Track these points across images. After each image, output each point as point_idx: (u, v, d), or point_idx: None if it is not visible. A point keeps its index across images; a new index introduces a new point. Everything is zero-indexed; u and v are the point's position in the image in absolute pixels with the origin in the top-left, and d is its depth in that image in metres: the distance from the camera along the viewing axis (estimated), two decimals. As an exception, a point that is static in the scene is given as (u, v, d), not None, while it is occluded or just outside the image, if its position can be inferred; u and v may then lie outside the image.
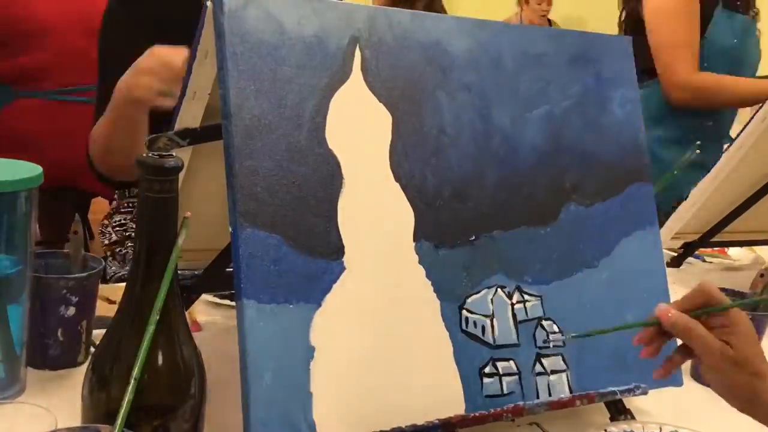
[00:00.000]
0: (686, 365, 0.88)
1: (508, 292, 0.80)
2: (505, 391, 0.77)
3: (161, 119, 0.89)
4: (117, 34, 1.36)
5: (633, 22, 1.94)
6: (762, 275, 0.93)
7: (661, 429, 0.81)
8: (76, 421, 0.66)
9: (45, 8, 2.01)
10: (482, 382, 0.76)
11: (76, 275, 0.87)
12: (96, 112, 1.32)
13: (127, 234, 1.47)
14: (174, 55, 1.09)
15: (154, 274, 0.62)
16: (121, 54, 1.20)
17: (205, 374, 0.67)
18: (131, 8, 1.36)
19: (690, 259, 1.50)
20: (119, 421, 0.55)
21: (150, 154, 0.61)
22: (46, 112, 2.06)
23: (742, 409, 0.72)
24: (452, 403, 0.74)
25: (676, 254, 1.46)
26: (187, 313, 1.05)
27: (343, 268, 0.71)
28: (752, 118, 1.24)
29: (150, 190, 0.60)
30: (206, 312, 1.09)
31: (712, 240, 1.41)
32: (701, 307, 0.70)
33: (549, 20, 4.69)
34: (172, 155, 0.61)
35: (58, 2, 2.04)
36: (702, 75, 1.86)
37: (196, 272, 0.93)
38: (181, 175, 0.88)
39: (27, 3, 2.02)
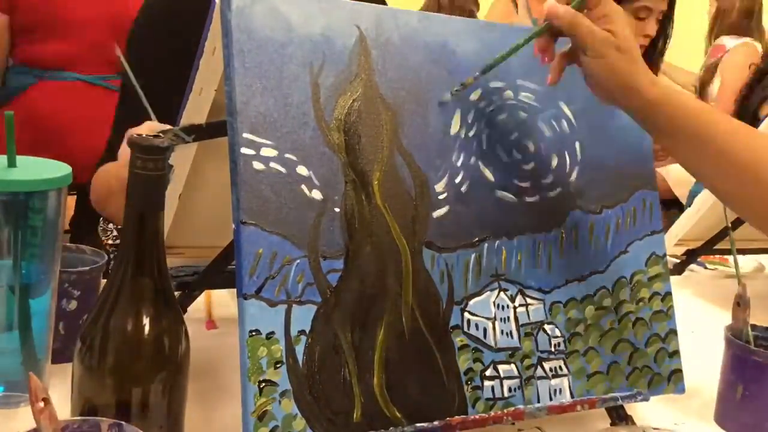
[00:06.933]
0: (711, 408, 0.90)
1: (511, 295, 0.79)
2: (506, 395, 0.77)
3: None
4: (142, 48, 1.25)
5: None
6: (738, 303, 0.90)
7: None
8: (77, 415, 0.66)
9: (76, 1, 2.02)
10: (483, 385, 0.76)
11: (79, 269, 0.87)
12: (113, 131, 1.25)
13: None
14: None
15: (143, 247, 0.65)
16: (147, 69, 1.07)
17: (180, 352, 0.67)
18: (157, 27, 1.26)
19: (692, 266, 1.49)
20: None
21: (142, 135, 0.64)
22: (69, 93, 2.06)
23: (616, 99, 0.77)
24: (453, 405, 0.74)
25: (678, 261, 1.46)
26: (205, 309, 1.05)
27: (346, 268, 0.71)
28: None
29: (142, 168, 0.63)
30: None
31: (714, 248, 1.40)
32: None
33: None
34: (160, 136, 0.64)
35: None
36: None
37: (197, 269, 0.93)
38: (186, 171, 0.88)
39: None
